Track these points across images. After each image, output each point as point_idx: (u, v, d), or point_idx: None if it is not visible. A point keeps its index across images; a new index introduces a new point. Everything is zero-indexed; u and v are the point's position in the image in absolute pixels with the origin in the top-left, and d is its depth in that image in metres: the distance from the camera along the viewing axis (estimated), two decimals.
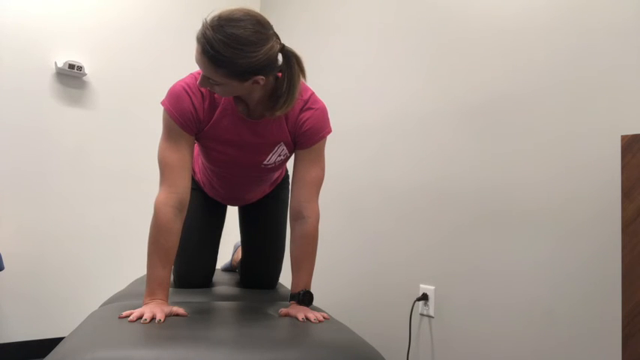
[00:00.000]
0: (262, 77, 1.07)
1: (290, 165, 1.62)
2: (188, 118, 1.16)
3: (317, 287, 2.26)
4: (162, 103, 1.17)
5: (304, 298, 1.20)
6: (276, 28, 1.11)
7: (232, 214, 1.91)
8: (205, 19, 1.03)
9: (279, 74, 1.14)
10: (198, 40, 1.03)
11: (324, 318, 1.13)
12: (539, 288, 1.41)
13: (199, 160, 1.47)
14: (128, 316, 1.00)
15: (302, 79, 1.16)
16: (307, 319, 1.10)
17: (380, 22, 2.08)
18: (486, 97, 1.60)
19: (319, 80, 2.39)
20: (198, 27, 1.07)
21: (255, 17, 1.03)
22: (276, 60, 1.08)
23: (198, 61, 1.05)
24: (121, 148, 2.53)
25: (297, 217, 1.23)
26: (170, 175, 1.16)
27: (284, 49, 1.10)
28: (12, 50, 2.25)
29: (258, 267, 1.57)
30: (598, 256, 1.28)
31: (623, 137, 0.94)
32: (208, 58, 1.02)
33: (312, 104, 1.23)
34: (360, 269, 2.08)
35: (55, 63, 2.32)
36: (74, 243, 2.38)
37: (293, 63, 1.11)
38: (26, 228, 2.26)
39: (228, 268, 2.01)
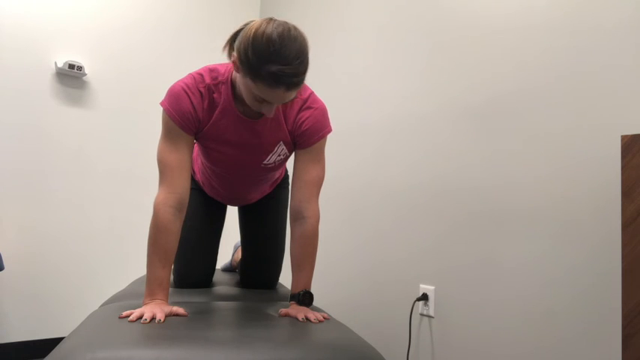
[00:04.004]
0: None
1: (290, 165, 1.62)
2: (187, 118, 1.16)
3: (317, 287, 2.26)
4: (162, 103, 1.17)
5: (304, 298, 1.20)
6: None
7: (232, 214, 1.91)
8: (261, 65, 0.98)
9: None
10: (277, 84, 0.99)
11: (324, 318, 1.13)
12: (540, 288, 1.41)
13: (199, 160, 1.47)
14: (128, 316, 1.00)
15: None
16: (307, 319, 1.10)
17: (379, 22, 2.08)
18: (486, 97, 1.60)
19: (319, 80, 2.39)
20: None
21: (279, 21, 1.03)
22: None
23: (282, 98, 1.04)
24: (121, 147, 2.53)
25: (297, 218, 1.23)
26: (169, 175, 1.16)
27: None
28: (12, 50, 2.25)
29: (258, 267, 1.57)
30: (598, 256, 1.28)
31: (623, 137, 0.94)
32: (295, 88, 1.03)
33: (312, 103, 1.23)
34: (360, 269, 2.08)
35: (55, 63, 2.32)
36: (74, 243, 2.38)
37: None
38: (26, 228, 2.26)
39: (228, 268, 2.00)
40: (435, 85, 1.79)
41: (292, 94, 1.05)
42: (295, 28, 1.03)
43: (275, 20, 1.03)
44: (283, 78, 0.99)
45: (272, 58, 0.98)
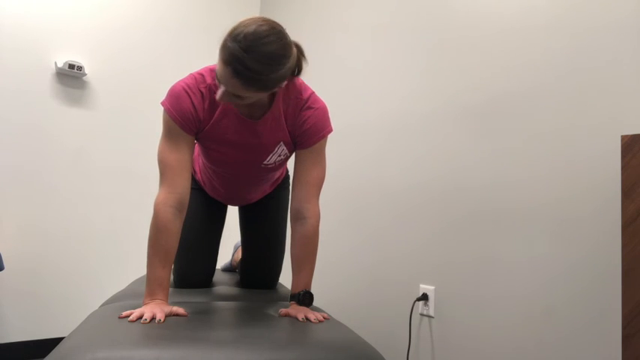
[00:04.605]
0: (285, 82, 1.08)
1: (291, 165, 1.62)
2: (188, 118, 1.16)
3: (317, 287, 2.26)
4: (162, 103, 1.17)
5: (304, 298, 1.20)
6: None
7: (232, 214, 1.91)
8: (226, 38, 1.00)
9: None
10: (228, 62, 0.99)
11: (324, 318, 1.13)
12: (540, 289, 1.41)
13: (200, 159, 1.47)
14: (128, 316, 1.00)
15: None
16: (307, 319, 1.10)
17: (379, 22, 2.08)
18: (486, 97, 1.60)
19: (319, 79, 2.39)
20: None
21: (276, 28, 1.02)
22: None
23: (228, 82, 1.02)
24: (121, 147, 2.53)
25: (298, 218, 1.23)
26: (170, 175, 1.16)
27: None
28: (12, 50, 2.25)
29: (258, 267, 1.57)
30: (598, 256, 1.28)
31: (623, 137, 0.95)
32: (242, 79, 1.00)
33: (312, 103, 1.23)
34: (360, 269, 2.08)
35: (55, 63, 2.32)
36: (74, 243, 2.38)
37: (299, 56, 1.14)
38: (27, 228, 2.26)
39: (228, 268, 2.00)
40: (435, 85, 1.79)
41: (240, 88, 1.01)
42: (281, 39, 1.01)
43: (271, 24, 1.02)
44: (233, 60, 0.98)
45: (237, 38, 0.99)
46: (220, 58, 1.01)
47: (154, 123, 2.58)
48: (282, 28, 1.05)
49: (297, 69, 1.16)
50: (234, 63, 0.98)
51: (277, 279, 1.61)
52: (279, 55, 1.01)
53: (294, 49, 1.07)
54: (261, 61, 0.98)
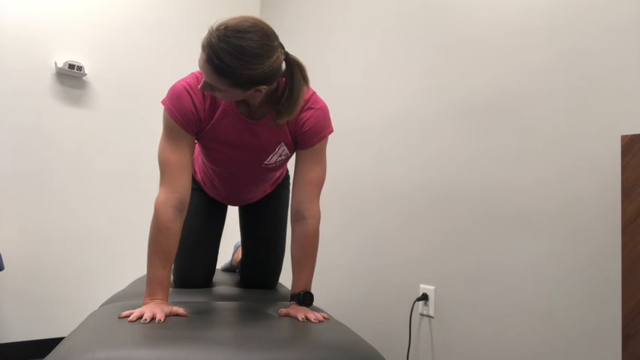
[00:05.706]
0: (265, 87, 1.08)
1: (291, 165, 1.63)
2: (189, 117, 1.16)
3: (317, 287, 2.26)
4: (163, 102, 1.17)
5: (304, 298, 1.20)
6: (276, 28, 1.12)
7: (232, 214, 1.91)
8: (212, 27, 1.02)
9: (283, 79, 1.15)
10: (204, 47, 1.02)
11: (324, 318, 1.13)
12: (540, 288, 1.41)
13: (200, 159, 1.47)
14: (128, 316, 1.00)
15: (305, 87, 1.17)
16: (307, 319, 1.10)
17: (381, 23, 2.08)
18: (487, 98, 1.60)
19: (319, 80, 2.39)
20: (198, 27, 1.07)
21: (261, 29, 1.03)
22: (280, 69, 1.08)
23: (202, 68, 1.04)
24: (121, 148, 2.53)
25: (298, 218, 1.23)
26: (170, 175, 1.16)
27: (287, 58, 1.10)
28: (12, 50, 2.25)
29: (258, 267, 1.57)
30: (598, 257, 1.28)
31: (623, 137, 0.95)
32: (213, 67, 1.01)
33: (313, 104, 1.23)
34: (361, 269, 2.08)
35: (55, 63, 2.32)
36: (74, 243, 2.38)
37: (296, 71, 1.13)
38: (26, 228, 2.26)
39: (228, 268, 2.00)
40: (437, 87, 1.79)
41: (211, 76, 1.02)
42: (262, 39, 1.02)
43: (260, 25, 1.03)
44: (207, 46, 1.01)
45: (219, 27, 1.01)
46: (201, 43, 1.04)
47: (154, 123, 2.58)
48: (271, 32, 1.05)
49: (291, 84, 1.13)
50: (208, 49, 1.01)
51: (277, 279, 1.61)
52: (252, 53, 1.01)
53: (279, 57, 1.06)
54: (232, 53, 0.99)
